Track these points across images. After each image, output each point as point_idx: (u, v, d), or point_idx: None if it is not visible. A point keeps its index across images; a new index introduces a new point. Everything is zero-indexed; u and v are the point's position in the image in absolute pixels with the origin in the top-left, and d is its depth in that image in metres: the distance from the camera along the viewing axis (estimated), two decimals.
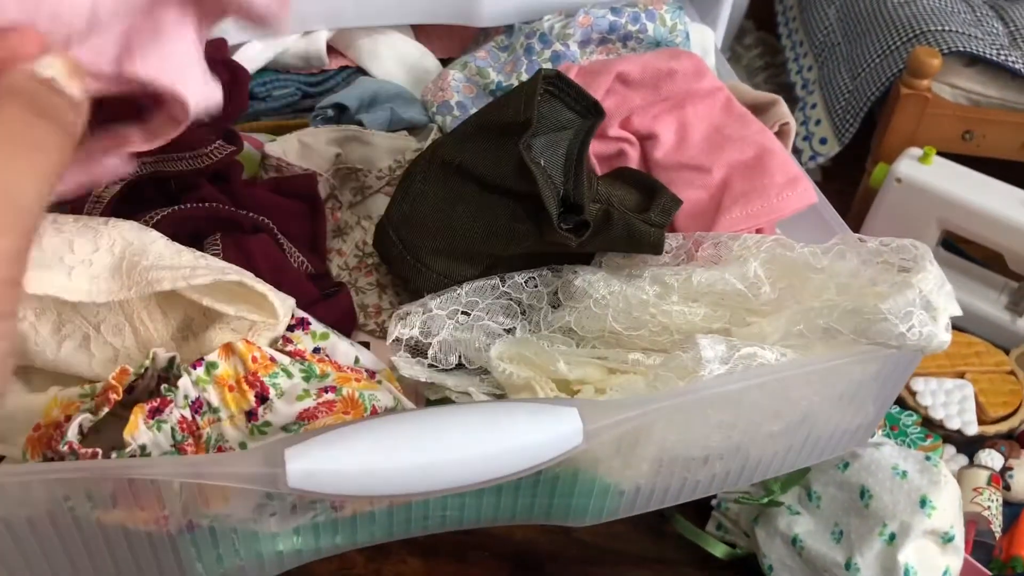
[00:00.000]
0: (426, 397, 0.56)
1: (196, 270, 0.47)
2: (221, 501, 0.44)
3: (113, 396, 0.45)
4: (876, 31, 0.97)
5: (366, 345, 0.57)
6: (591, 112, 0.58)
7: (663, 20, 0.74)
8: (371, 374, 0.52)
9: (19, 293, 0.25)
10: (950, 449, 0.75)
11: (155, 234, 0.49)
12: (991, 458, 0.72)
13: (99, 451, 0.43)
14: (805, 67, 1.09)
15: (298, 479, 0.40)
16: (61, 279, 0.45)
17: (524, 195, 0.55)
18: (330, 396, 0.48)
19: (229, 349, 0.48)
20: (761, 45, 1.20)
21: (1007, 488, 0.71)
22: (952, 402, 0.76)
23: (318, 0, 0.74)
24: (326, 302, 0.58)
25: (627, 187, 0.59)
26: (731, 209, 0.60)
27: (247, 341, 0.48)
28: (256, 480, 0.41)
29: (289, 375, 0.48)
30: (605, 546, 0.66)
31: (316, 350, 0.51)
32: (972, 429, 0.75)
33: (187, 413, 0.47)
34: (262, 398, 0.47)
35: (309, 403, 0.47)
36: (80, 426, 0.44)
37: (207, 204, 0.57)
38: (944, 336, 0.48)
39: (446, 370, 0.56)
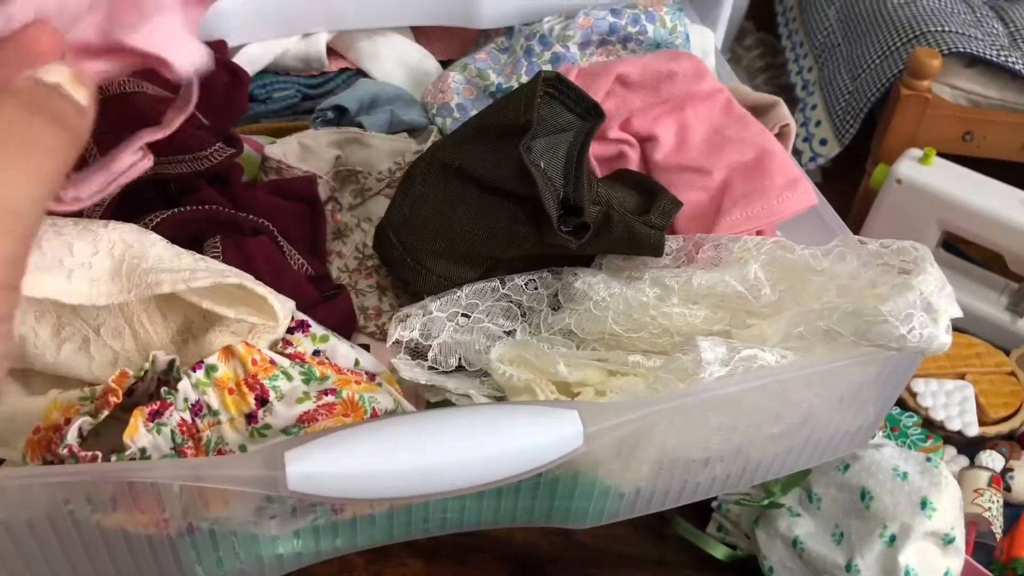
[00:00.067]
0: (426, 399, 0.56)
1: (196, 273, 0.47)
2: (221, 504, 0.44)
3: (113, 399, 0.45)
4: (876, 32, 0.97)
5: (366, 347, 0.57)
6: (591, 114, 0.58)
7: (663, 22, 0.74)
8: (371, 376, 0.52)
9: (16, 297, 0.25)
10: (951, 450, 0.75)
11: (155, 237, 0.49)
12: (992, 459, 0.72)
13: (99, 454, 0.43)
14: (805, 68, 1.09)
15: (298, 482, 0.40)
16: (61, 282, 0.45)
17: (524, 197, 0.55)
18: (330, 399, 0.48)
19: (229, 352, 0.48)
20: (761, 46, 1.20)
21: (1008, 489, 0.71)
22: (953, 403, 0.76)
23: (318, 2, 0.74)
24: (326, 304, 0.58)
25: (627, 189, 0.59)
26: (731, 211, 0.60)
27: (247, 344, 0.48)
28: (256, 483, 0.41)
29: (289, 378, 0.48)
30: (605, 548, 0.66)
31: (316, 352, 0.51)
32: (973, 430, 0.75)
33: (187, 416, 0.47)
34: (262, 401, 0.47)
35: (309, 405, 0.47)
36: (80, 429, 0.44)
37: (207, 206, 0.57)
38: (945, 338, 0.48)
39: (446, 372, 0.56)
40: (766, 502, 0.62)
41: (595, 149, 0.64)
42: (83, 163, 0.44)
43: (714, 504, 0.67)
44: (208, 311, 0.49)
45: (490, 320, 0.57)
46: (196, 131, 0.57)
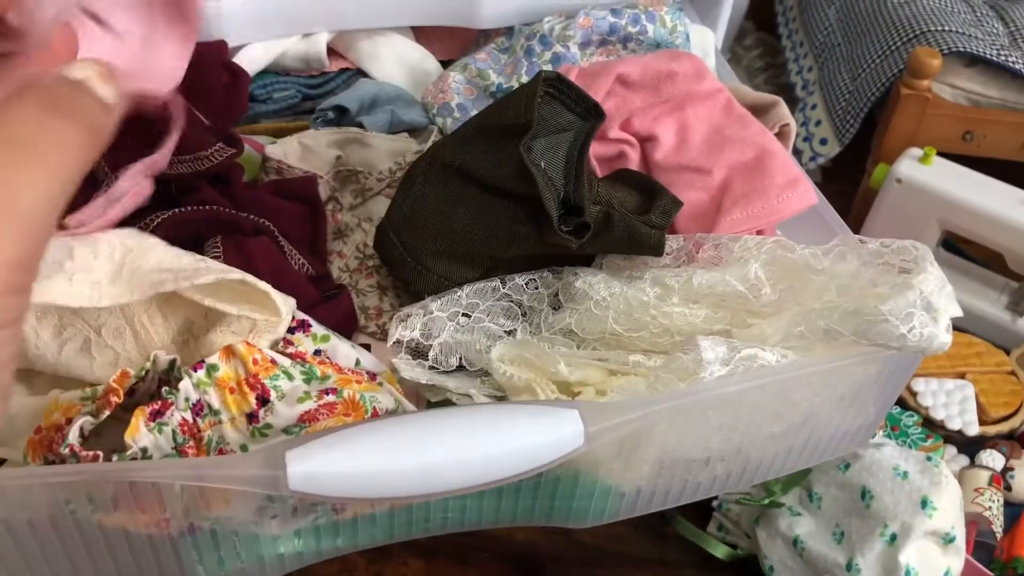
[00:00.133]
0: (427, 399, 0.56)
1: (198, 271, 0.47)
2: (222, 504, 0.44)
3: (114, 399, 0.45)
4: (876, 31, 0.97)
5: (367, 347, 0.57)
6: (591, 114, 0.58)
7: (663, 22, 0.74)
8: (372, 376, 0.53)
9: (25, 302, 0.24)
10: (951, 450, 0.75)
11: (154, 240, 0.49)
12: (992, 458, 0.72)
13: (100, 454, 0.43)
14: (805, 68, 1.09)
15: (299, 481, 0.40)
16: (62, 285, 0.45)
17: (524, 197, 0.55)
18: (331, 398, 0.48)
19: (230, 351, 0.48)
20: (761, 46, 1.20)
21: (1008, 488, 0.71)
22: (953, 402, 0.76)
23: (318, 2, 0.74)
24: (327, 304, 0.58)
25: (627, 189, 0.59)
26: (731, 210, 0.60)
27: (248, 343, 0.48)
28: (257, 483, 0.41)
29: (290, 377, 0.48)
30: (606, 548, 0.66)
31: (317, 352, 0.51)
32: (973, 429, 0.75)
33: (188, 415, 0.47)
34: (263, 400, 0.47)
35: (310, 405, 0.47)
36: (81, 429, 0.44)
37: (208, 207, 0.57)
38: (945, 337, 0.48)
39: (447, 372, 0.56)
40: (767, 501, 0.62)
41: (595, 149, 0.64)
42: (92, 176, 0.44)
43: (715, 503, 0.67)
44: (209, 311, 0.49)
45: (491, 320, 0.57)
46: (196, 131, 0.57)
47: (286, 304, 0.50)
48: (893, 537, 0.57)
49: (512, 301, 0.58)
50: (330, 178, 0.67)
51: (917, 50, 0.87)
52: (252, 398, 0.47)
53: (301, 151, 0.67)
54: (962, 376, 0.79)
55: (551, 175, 0.56)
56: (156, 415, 0.46)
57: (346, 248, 0.67)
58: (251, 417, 0.47)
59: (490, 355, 0.53)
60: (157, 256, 0.47)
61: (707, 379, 0.47)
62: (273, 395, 0.47)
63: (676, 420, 0.48)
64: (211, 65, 0.63)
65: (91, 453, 0.43)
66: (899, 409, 0.76)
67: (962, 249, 0.92)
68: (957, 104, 0.92)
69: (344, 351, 0.52)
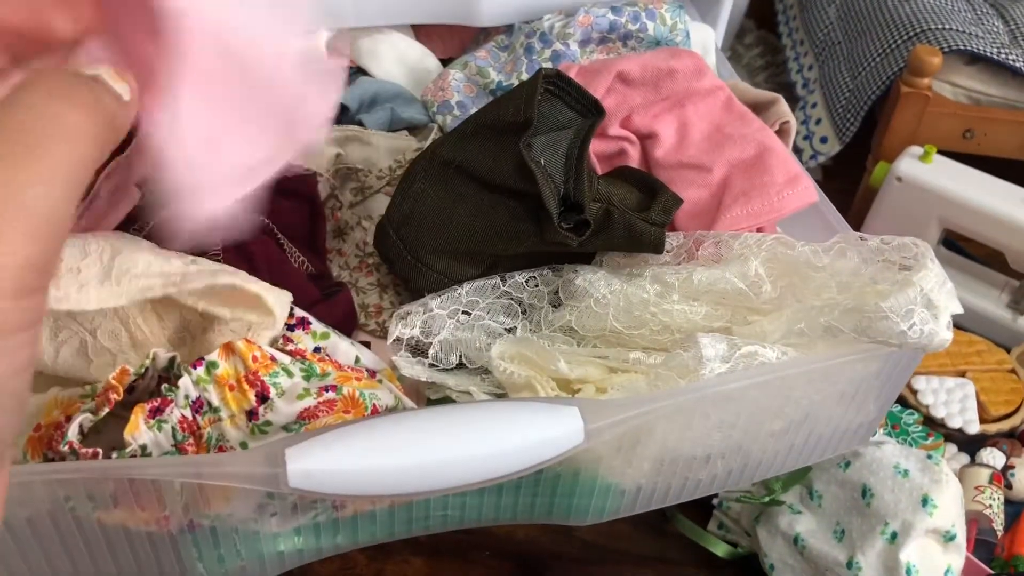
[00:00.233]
0: (427, 397, 0.56)
1: (187, 276, 0.47)
2: (222, 501, 0.44)
3: (113, 396, 0.45)
4: (876, 30, 0.97)
5: (367, 345, 0.57)
6: (591, 111, 0.58)
7: (663, 19, 0.74)
8: (372, 373, 0.52)
9: (41, 303, 0.22)
10: (951, 448, 0.75)
11: (143, 242, 0.49)
12: (993, 457, 0.72)
13: (100, 451, 0.43)
14: (806, 66, 1.09)
15: (299, 479, 0.40)
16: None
17: (525, 194, 0.55)
18: (331, 395, 0.48)
19: (229, 348, 0.48)
20: (761, 44, 1.20)
21: (1009, 487, 0.71)
22: (953, 401, 0.76)
23: (318, 0, 0.74)
24: (327, 302, 0.58)
25: (628, 186, 0.58)
26: (732, 208, 0.60)
27: (247, 340, 0.48)
28: (257, 480, 0.41)
29: (290, 374, 0.48)
30: (607, 545, 0.66)
31: (317, 349, 0.51)
32: (973, 428, 0.75)
33: (188, 413, 0.47)
34: (263, 397, 0.47)
35: (310, 402, 0.47)
36: (81, 426, 0.44)
37: None
38: (945, 334, 0.48)
39: (447, 369, 0.56)
40: (767, 499, 0.62)
41: (595, 146, 0.64)
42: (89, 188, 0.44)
43: (715, 501, 0.67)
44: (205, 311, 0.49)
45: (491, 317, 0.57)
46: None
47: (279, 302, 0.50)
48: (894, 535, 0.57)
49: (512, 299, 0.58)
50: (330, 176, 0.67)
51: (917, 48, 0.87)
52: (252, 395, 0.47)
53: None
54: (963, 374, 0.79)
55: (551, 172, 0.56)
56: (156, 412, 0.46)
57: (346, 246, 0.66)
58: (251, 414, 0.47)
59: (490, 352, 0.53)
60: (146, 259, 0.47)
61: (707, 376, 0.47)
62: (273, 392, 0.47)
63: (676, 417, 0.48)
64: None
65: (91, 450, 0.43)
66: (900, 407, 0.76)
67: (962, 247, 0.92)
68: (957, 102, 0.91)
69: (344, 348, 0.52)
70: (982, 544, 0.67)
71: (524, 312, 0.58)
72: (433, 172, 0.59)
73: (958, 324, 0.82)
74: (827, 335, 0.49)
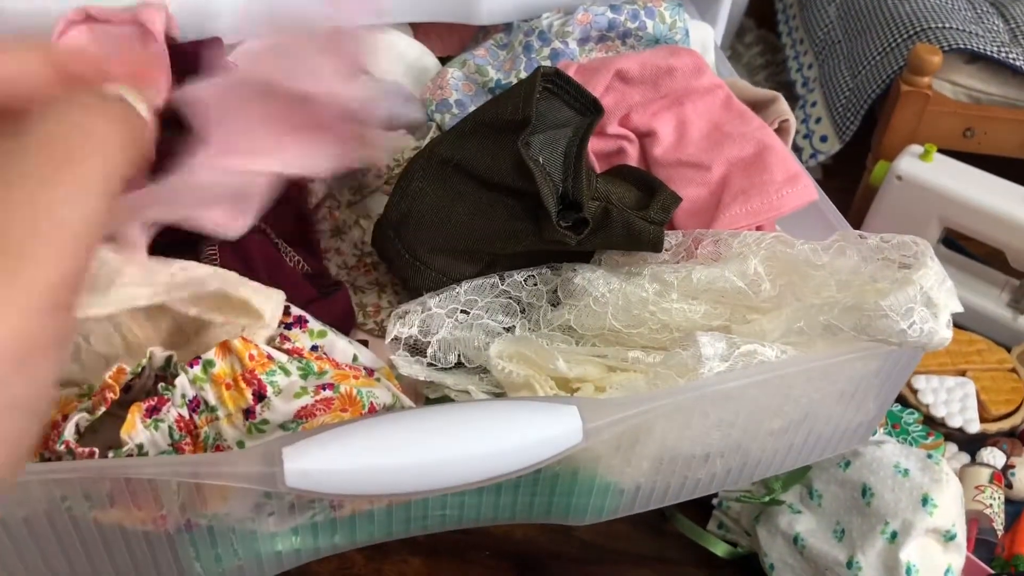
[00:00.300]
0: (425, 396, 0.56)
1: (174, 284, 0.47)
2: (219, 500, 0.44)
3: (110, 395, 0.45)
4: (876, 28, 0.96)
5: (365, 344, 0.57)
6: (590, 109, 0.58)
7: (662, 17, 0.74)
8: (369, 372, 0.52)
9: (69, 321, 0.22)
10: (952, 447, 0.75)
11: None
12: (993, 456, 0.72)
13: (96, 451, 0.43)
14: (805, 65, 1.08)
15: (296, 478, 0.40)
16: None
17: (523, 193, 0.55)
18: (328, 393, 0.47)
19: (226, 347, 0.47)
20: (761, 43, 1.20)
21: (1009, 486, 0.71)
22: (953, 400, 0.76)
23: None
24: (324, 301, 0.58)
25: (626, 185, 0.58)
26: (731, 206, 0.60)
27: (244, 339, 0.48)
28: (254, 479, 0.40)
29: (287, 373, 0.48)
30: (605, 545, 0.66)
31: (314, 348, 0.51)
32: (974, 427, 0.75)
33: (184, 412, 0.47)
34: (260, 396, 0.47)
35: (307, 400, 0.47)
36: (77, 425, 0.44)
37: None
38: (945, 333, 0.47)
39: (445, 369, 0.56)
40: (767, 499, 0.62)
41: (594, 144, 0.64)
42: None
43: (715, 501, 0.67)
44: (198, 316, 0.49)
45: (489, 316, 0.57)
46: None
47: (269, 303, 0.50)
48: (894, 535, 0.57)
49: (511, 298, 0.58)
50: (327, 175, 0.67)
51: (917, 47, 0.87)
52: (248, 394, 0.47)
53: None
54: (963, 373, 0.79)
55: (550, 171, 0.55)
56: (152, 411, 0.45)
57: (344, 245, 0.66)
58: (248, 413, 0.47)
59: (488, 351, 0.53)
60: (132, 270, 0.47)
61: (706, 375, 0.47)
62: (270, 391, 0.47)
63: (675, 416, 0.48)
64: (206, 64, 0.63)
65: (87, 450, 0.43)
66: (900, 406, 0.76)
67: (963, 246, 0.92)
68: (958, 101, 0.91)
69: (341, 347, 0.52)
70: (982, 544, 0.66)
71: (523, 311, 0.58)
72: (431, 171, 0.58)
73: (958, 323, 0.82)
74: (826, 333, 0.48)
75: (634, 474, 0.51)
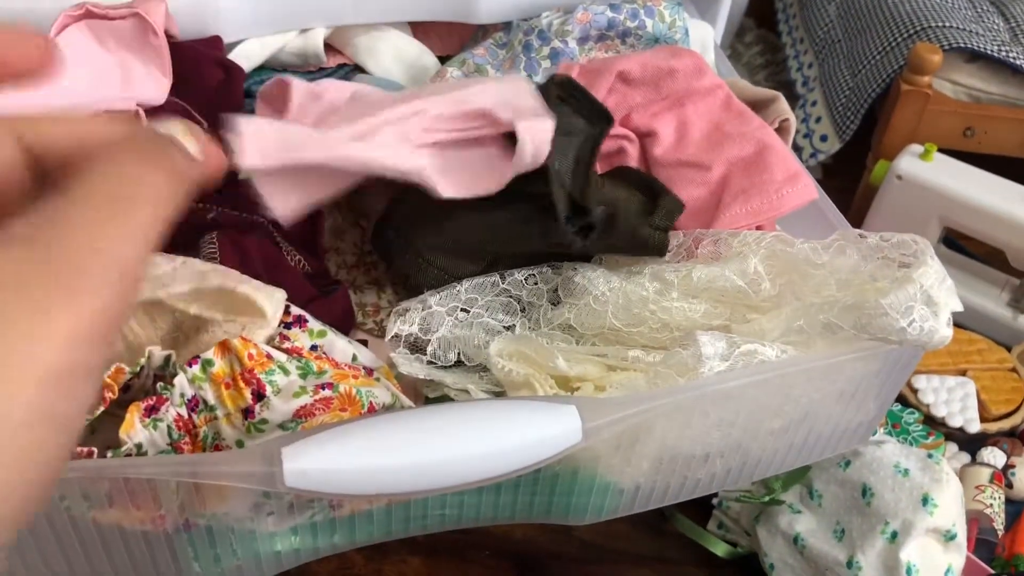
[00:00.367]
0: (425, 394, 0.55)
1: (175, 279, 0.47)
2: (218, 500, 0.44)
3: (108, 395, 0.45)
4: (876, 28, 0.96)
5: (364, 343, 0.57)
6: (599, 118, 0.57)
7: (662, 16, 0.74)
8: (369, 371, 0.52)
9: (107, 352, 0.24)
10: (952, 447, 0.75)
11: None
12: (993, 456, 0.72)
13: (95, 450, 0.43)
14: (805, 64, 1.08)
15: (295, 478, 0.40)
16: None
17: (526, 195, 0.55)
18: (327, 393, 0.47)
19: (225, 347, 0.47)
20: (761, 43, 1.20)
21: (1009, 486, 0.71)
22: (954, 400, 0.76)
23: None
24: (323, 301, 0.58)
25: (630, 190, 0.58)
26: (731, 206, 0.60)
27: (243, 338, 0.48)
28: (253, 479, 0.40)
29: (286, 372, 0.48)
30: (605, 545, 0.66)
31: (313, 347, 0.51)
32: (974, 427, 0.75)
33: (183, 411, 0.47)
34: (259, 395, 0.47)
35: (306, 400, 0.47)
36: None
37: (203, 204, 0.56)
38: (945, 331, 0.47)
39: (445, 367, 0.56)
40: (767, 499, 0.62)
41: None
42: None
43: (714, 501, 0.67)
44: (198, 314, 0.49)
45: (489, 315, 0.57)
46: None
47: (271, 301, 0.50)
48: (894, 535, 0.57)
49: (511, 296, 0.58)
50: None
51: (918, 46, 0.87)
52: (248, 393, 0.47)
53: None
54: (963, 373, 0.79)
55: (561, 176, 0.55)
56: (151, 411, 0.45)
57: (344, 244, 0.66)
58: (247, 412, 0.47)
59: (489, 350, 0.53)
60: None
61: (706, 374, 0.47)
62: (269, 390, 0.47)
63: (675, 416, 0.48)
64: (206, 62, 0.63)
65: (86, 449, 0.42)
66: (900, 406, 0.76)
67: (963, 246, 0.92)
68: (958, 100, 0.91)
69: (341, 346, 0.52)
70: (983, 543, 0.66)
71: (523, 310, 0.58)
72: None
73: (958, 323, 0.81)
74: (826, 332, 0.48)
75: (634, 474, 0.51)
